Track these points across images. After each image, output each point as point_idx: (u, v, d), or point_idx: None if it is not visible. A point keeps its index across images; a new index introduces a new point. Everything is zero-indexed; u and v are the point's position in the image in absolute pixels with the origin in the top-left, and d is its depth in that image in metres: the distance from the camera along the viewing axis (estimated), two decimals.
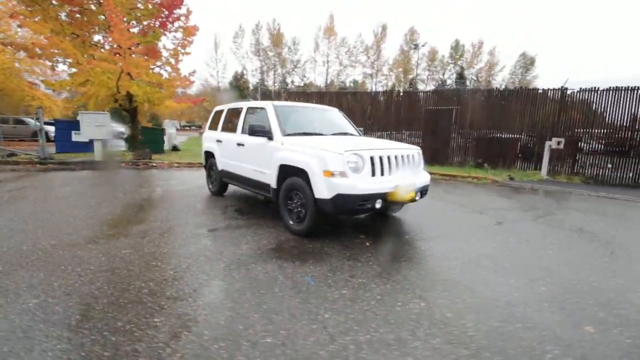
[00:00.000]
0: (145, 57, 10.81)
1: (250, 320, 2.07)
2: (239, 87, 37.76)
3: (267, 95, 16.90)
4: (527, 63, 45.31)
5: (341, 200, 3.31)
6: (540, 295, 2.56)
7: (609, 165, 9.79)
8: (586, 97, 10.01)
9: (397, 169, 3.73)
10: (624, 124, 9.53)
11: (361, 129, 5.25)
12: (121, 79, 10.04)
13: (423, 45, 35.68)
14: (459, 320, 2.17)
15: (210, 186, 5.99)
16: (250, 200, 5.60)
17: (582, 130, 10.23)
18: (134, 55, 10.69)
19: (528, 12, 59.63)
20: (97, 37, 11.34)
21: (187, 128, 45.70)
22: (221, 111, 5.80)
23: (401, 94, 13.95)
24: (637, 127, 9.29)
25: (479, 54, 45.78)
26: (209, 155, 5.91)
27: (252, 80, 40.56)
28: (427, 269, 2.99)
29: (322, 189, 3.39)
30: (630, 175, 9.40)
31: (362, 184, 3.36)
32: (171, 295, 2.36)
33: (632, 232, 4.56)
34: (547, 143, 9.91)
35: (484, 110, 11.54)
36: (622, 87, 9.28)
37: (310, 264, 3.02)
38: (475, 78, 45.74)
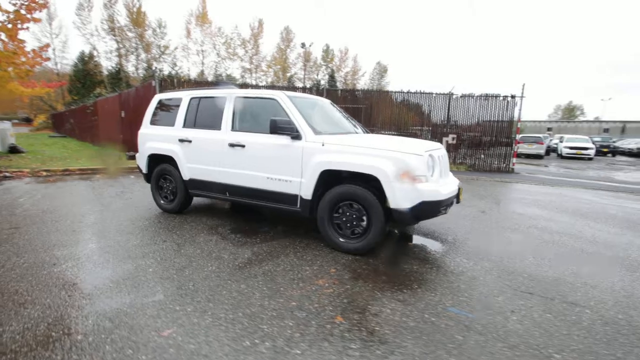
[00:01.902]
0: None
1: None
2: (88, 70, 29.95)
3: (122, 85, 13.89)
4: (381, 70, 53.03)
5: (426, 208, 2.87)
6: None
7: (482, 156, 12.41)
8: (466, 102, 12.31)
9: (445, 169, 3.55)
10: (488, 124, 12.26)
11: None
12: None
13: (310, 46, 36.72)
14: (635, 322, 2.14)
15: (163, 201, 4.38)
16: (230, 214, 4.37)
17: (461, 129, 12.57)
18: None
19: (384, 25, 70.12)
20: None
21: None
22: (175, 100, 4.28)
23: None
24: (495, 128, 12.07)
25: (345, 59, 50.69)
26: (160, 160, 4.30)
27: (107, 63, 32.83)
28: (526, 271, 2.89)
29: (400, 197, 2.85)
30: (495, 163, 12.17)
31: (442, 188, 3.01)
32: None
33: (570, 209, 5.75)
34: (444, 139, 11.72)
35: (389, 109, 12.73)
36: (491, 95, 11.80)
37: (421, 290, 2.49)
38: (343, 81, 50.43)
